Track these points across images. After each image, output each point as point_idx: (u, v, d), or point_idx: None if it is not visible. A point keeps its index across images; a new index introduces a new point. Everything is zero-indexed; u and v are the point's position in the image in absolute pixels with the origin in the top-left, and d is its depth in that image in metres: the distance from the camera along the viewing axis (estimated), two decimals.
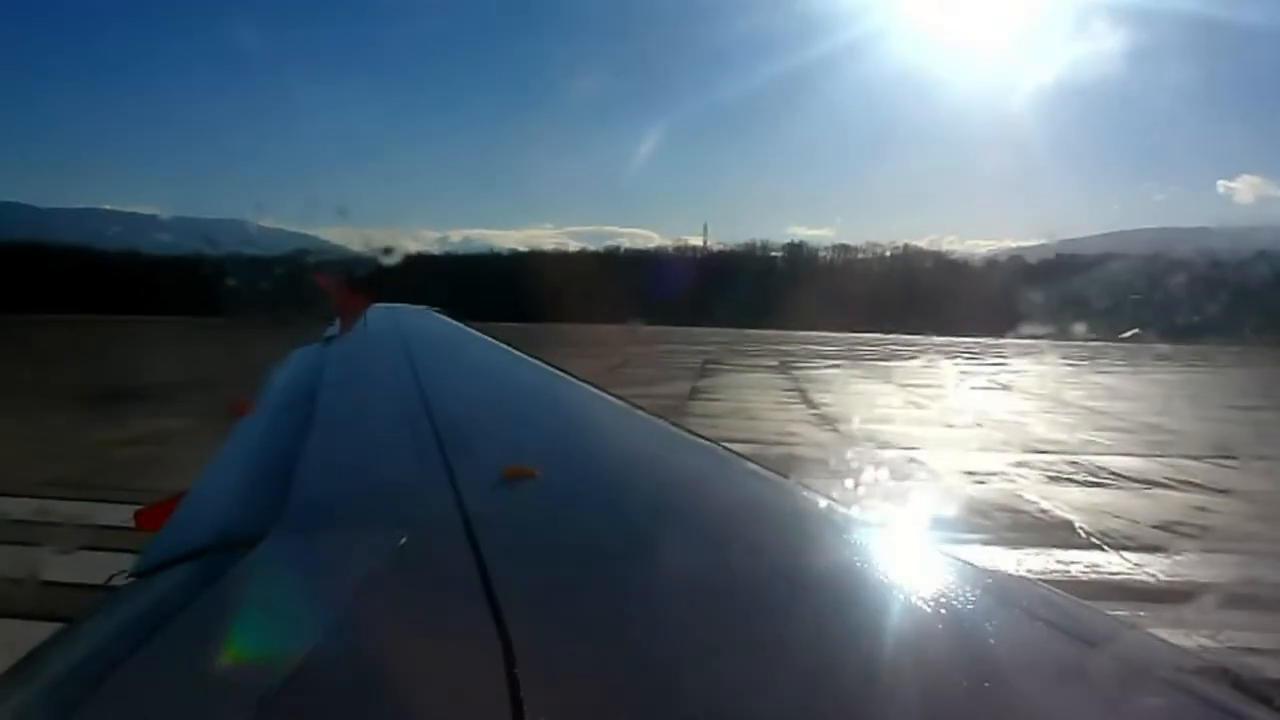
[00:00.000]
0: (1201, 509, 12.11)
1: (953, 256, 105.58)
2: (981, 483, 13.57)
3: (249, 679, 0.95)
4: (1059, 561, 9.54)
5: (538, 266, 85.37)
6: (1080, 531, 10.77)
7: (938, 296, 73.55)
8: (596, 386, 3.33)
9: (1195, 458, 15.91)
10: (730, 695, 0.96)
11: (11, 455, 13.28)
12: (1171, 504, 12.37)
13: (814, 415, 21.00)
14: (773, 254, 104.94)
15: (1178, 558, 9.77)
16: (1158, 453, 16.47)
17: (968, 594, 1.33)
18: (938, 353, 46.02)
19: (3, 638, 5.71)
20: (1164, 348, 43.67)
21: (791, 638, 1.12)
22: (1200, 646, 6.18)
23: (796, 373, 32.87)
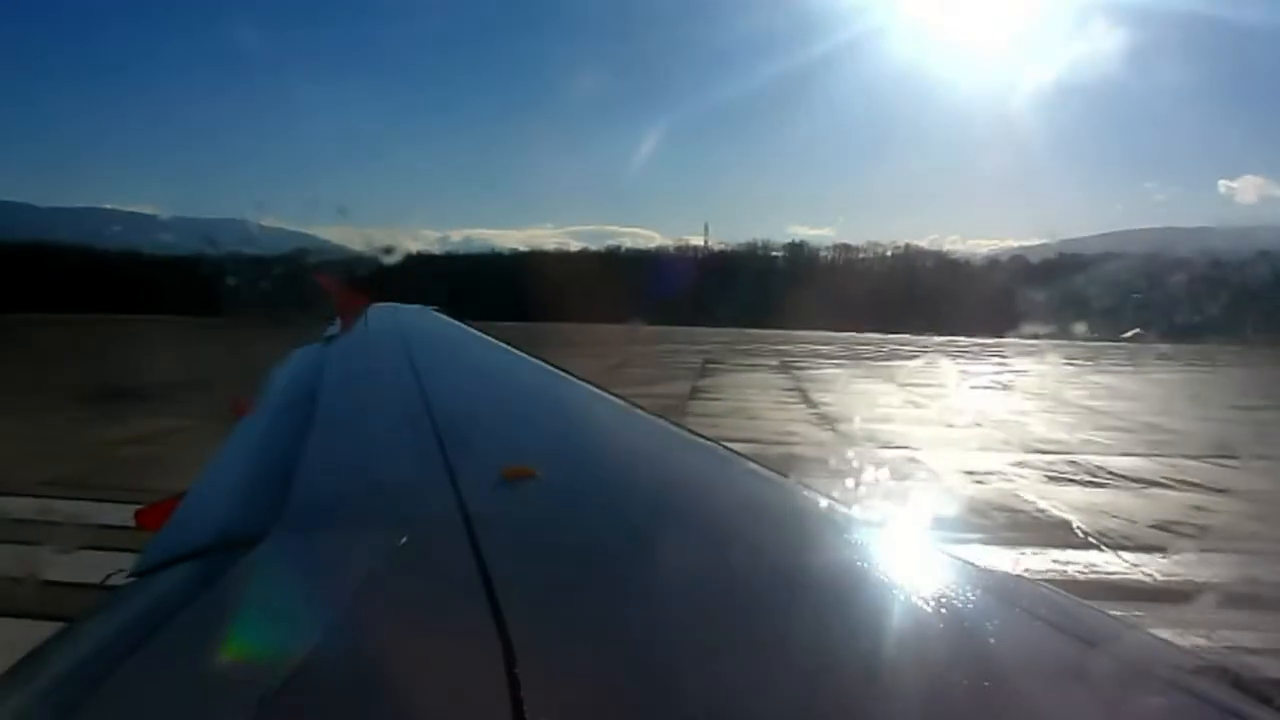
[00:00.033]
0: (1199, 508, 12.11)
1: (954, 256, 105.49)
2: (980, 482, 13.58)
3: (249, 679, 0.95)
4: (1055, 561, 9.54)
5: (538, 266, 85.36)
6: (1078, 531, 10.78)
7: (939, 296, 73.55)
8: (597, 386, 3.33)
9: (1194, 457, 15.91)
10: (730, 695, 0.96)
11: (12, 454, 13.30)
12: (1169, 504, 12.38)
13: (814, 415, 20.99)
14: (774, 254, 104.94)
15: (1175, 557, 9.78)
16: (1157, 452, 16.47)
17: (968, 593, 1.33)
18: (939, 352, 45.99)
19: (3, 637, 5.72)
20: (1165, 347, 43.66)
21: (792, 637, 1.12)
22: (1195, 646, 6.18)
23: (797, 372, 32.86)
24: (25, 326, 44.97)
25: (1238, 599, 8.35)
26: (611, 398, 3.16)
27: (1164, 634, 1.38)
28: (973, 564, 1.47)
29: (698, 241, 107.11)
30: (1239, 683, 1.07)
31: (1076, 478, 14.03)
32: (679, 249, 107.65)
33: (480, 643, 0.98)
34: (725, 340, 50.56)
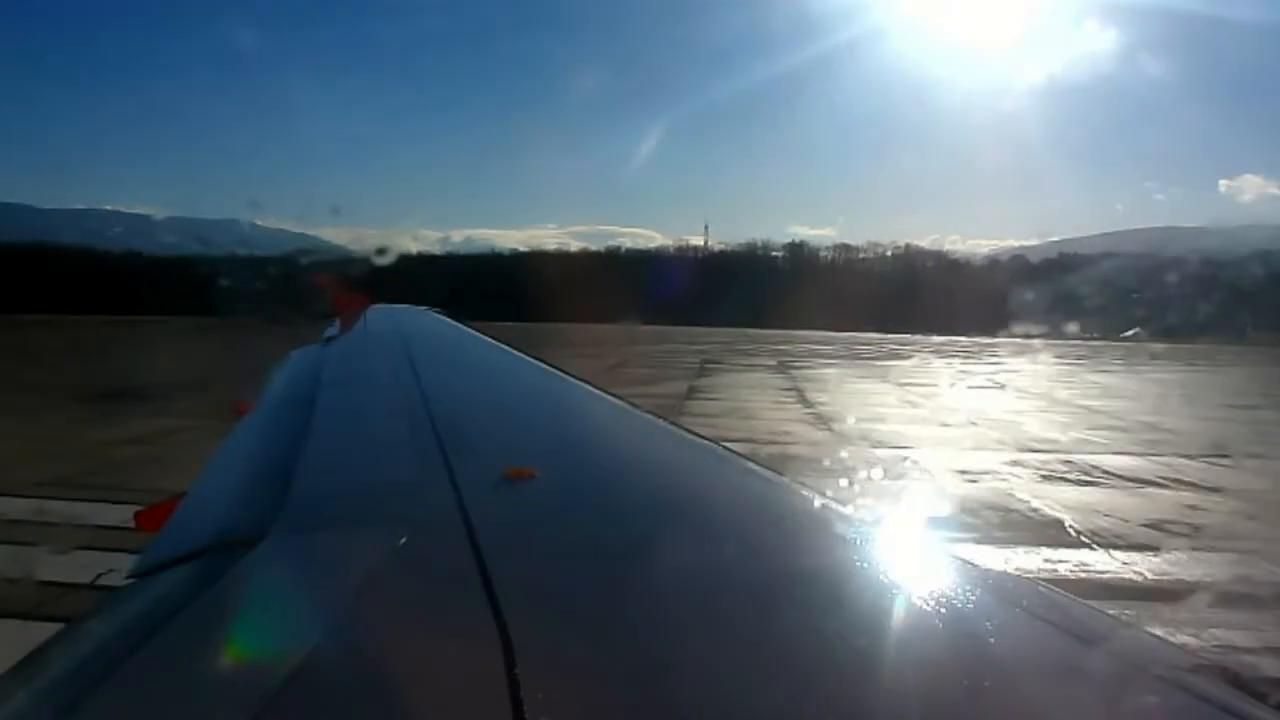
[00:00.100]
0: (1192, 507, 12.12)
1: (954, 256, 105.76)
2: (973, 481, 13.58)
3: (249, 679, 0.95)
4: (1047, 560, 9.54)
5: (539, 266, 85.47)
6: (1070, 530, 10.79)
7: (939, 296, 73.64)
8: (596, 386, 3.33)
9: (1189, 456, 15.92)
10: (730, 695, 0.96)
11: (12, 454, 13.29)
12: (1163, 503, 12.38)
13: (809, 414, 21.00)
14: (774, 254, 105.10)
15: (1166, 556, 9.78)
16: (1152, 451, 16.47)
17: (966, 593, 1.33)
18: (938, 352, 46.03)
19: (2, 638, 5.72)
20: (1163, 347, 43.72)
21: (791, 637, 1.12)
22: (1184, 645, 6.19)
23: (794, 372, 32.87)
24: (25, 327, 44.94)
25: (1227, 597, 8.36)
26: (611, 398, 3.16)
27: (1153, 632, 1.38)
28: (971, 563, 1.47)
29: (698, 242, 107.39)
30: (1238, 682, 1.07)
31: (1070, 477, 14.03)
32: (679, 249, 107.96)
33: (480, 643, 0.98)
34: (724, 340, 50.58)
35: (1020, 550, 9.85)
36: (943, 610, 1.22)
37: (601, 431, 2.70)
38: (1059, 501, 12.21)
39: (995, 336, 52.53)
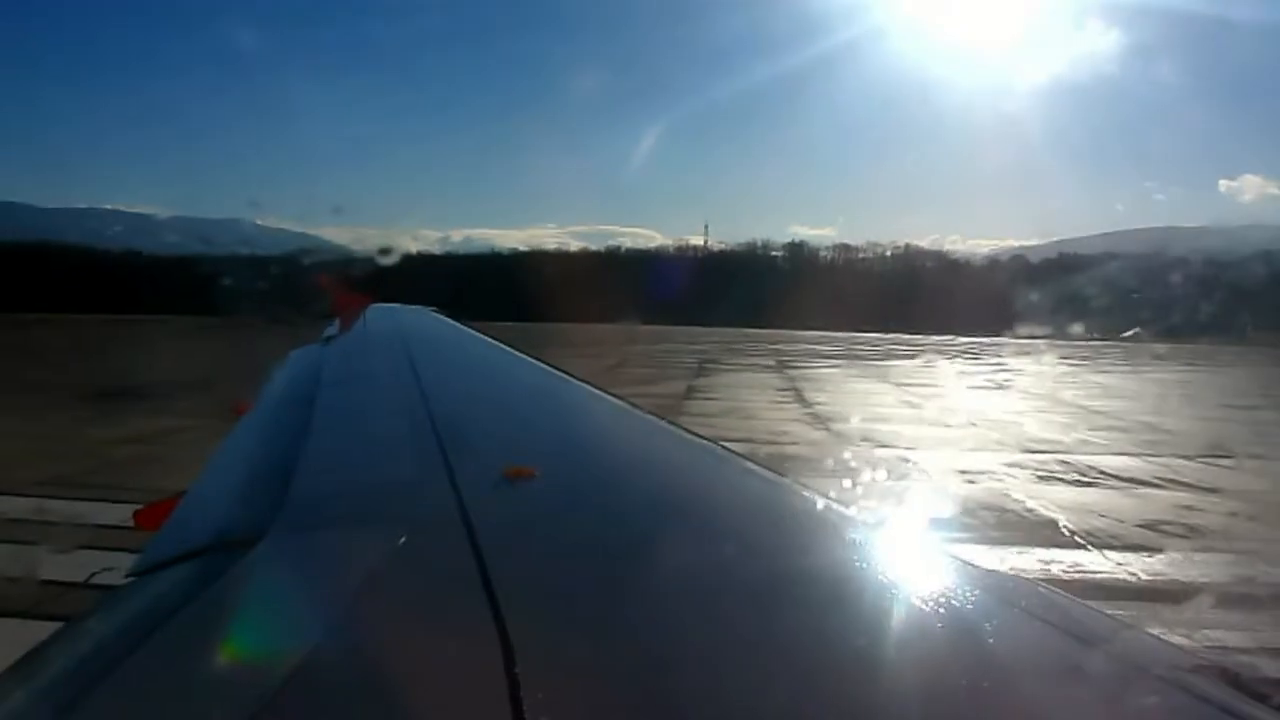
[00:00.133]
0: (1188, 508, 12.13)
1: (954, 256, 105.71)
2: (971, 482, 13.60)
3: (248, 678, 0.95)
4: (1041, 560, 9.54)
5: (539, 266, 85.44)
6: (1064, 530, 10.79)
7: (939, 296, 73.65)
8: (595, 386, 3.33)
9: (1187, 457, 15.93)
10: (730, 695, 0.96)
11: (13, 453, 13.30)
12: (1159, 503, 12.39)
13: (807, 414, 21.01)
14: (774, 254, 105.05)
15: (1160, 556, 9.79)
16: (1150, 452, 16.48)
17: (966, 593, 1.33)
18: (937, 352, 46.02)
19: (2, 636, 5.72)
20: (1164, 347, 43.70)
21: (791, 637, 1.12)
22: (1178, 645, 6.19)
23: (793, 372, 32.88)
24: (27, 326, 44.98)
25: (1221, 597, 8.37)
26: (611, 398, 3.16)
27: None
28: (971, 564, 1.47)
29: (698, 241, 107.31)
30: (1238, 682, 1.07)
31: (1067, 478, 14.04)
32: (679, 249, 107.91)
33: (480, 642, 0.98)
34: (724, 340, 50.59)
35: (1015, 550, 9.86)
36: (942, 611, 1.22)
37: (601, 431, 2.70)
38: (1054, 502, 12.22)
39: (995, 336, 52.52)
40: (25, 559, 7.85)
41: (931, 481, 13.62)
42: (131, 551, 1.67)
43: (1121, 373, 36.24)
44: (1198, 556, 9.88)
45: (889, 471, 14.00)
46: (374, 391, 3.14)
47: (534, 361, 3.89)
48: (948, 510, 11.71)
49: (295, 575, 1.32)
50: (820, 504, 1.91)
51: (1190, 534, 10.81)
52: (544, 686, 0.90)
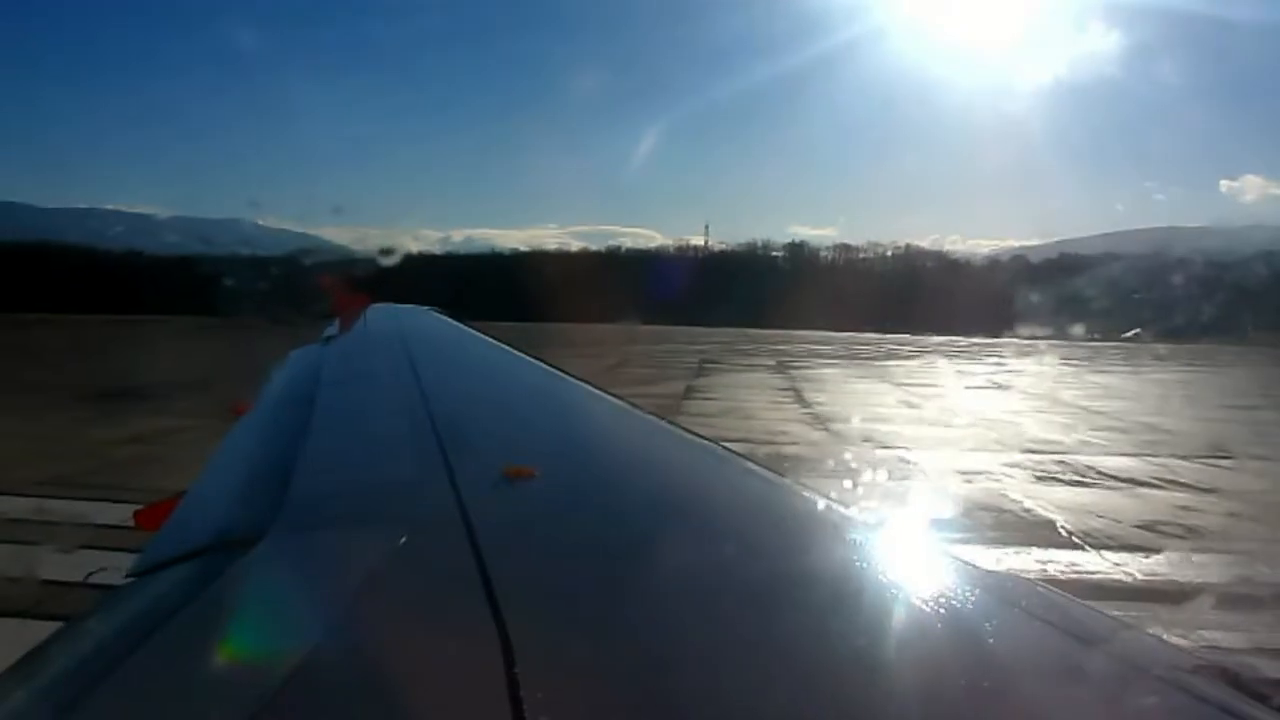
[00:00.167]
0: (1186, 508, 12.13)
1: (955, 256, 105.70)
2: (969, 482, 13.60)
3: (248, 679, 0.95)
4: (1037, 561, 9.54)
5: (539, 266, 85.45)
6: (1061, 531, 10.79)
7: (940, 296, 73.63)
8: (595, 386, 3.33)
9: (1185, 457, 15.93)
10: (730, 695, 0.96)
11: (13, 453, 13.30)
12: (1156, 504, 12.39)
13: (806, 414, 21.01)
14: (774, 254, 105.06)
15: (1157, 557, 9.80)
16: (1148, 453, 16.47)
17: (966, 593, 1.33)
18: (937, 352, 46.02)
19: (2, 636, 5.72)
20: (1165, 347, 43.70)
21: (791, 637, 1.12)
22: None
23: (793, 372, 32.88)
24: (27, 326, 45.00)
25: (1217, 598, 8.37)
26: (611, 398, 3.16)
27: None
28: (971, 564, 1.47)
29: (698, 241, 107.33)
30: (1238, 682, 1.07)
31: (1065, 478, 14.04)
32: (679, 249, 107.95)
33: (480, 643, 0.98)
34: (724, 340, 50.59)
35: (1011, 550, 9.86)
36: (942, 611, 1.22)
37: (601, 431, 2.69)
38: (1052, 502, 12.23)
39: (995, 337, 52.53)
40: (25, 559, 7.86)
41: (929, 482, 13.63)
42: (132, 551, 1.67)
43: (1121, 373, 36.23)
44: (1195, 557, 9.88)
45: (886, 472, 14.02)
46: (374, 391, 3.14)
47: (534, 361, 3.89)
48: (944, 510, 11.73)
49: (295, 575, 1.32)
50: (820, 504, 1.91)
51: (1188, 534, 10.81)
52: (544, 686, 0.90)
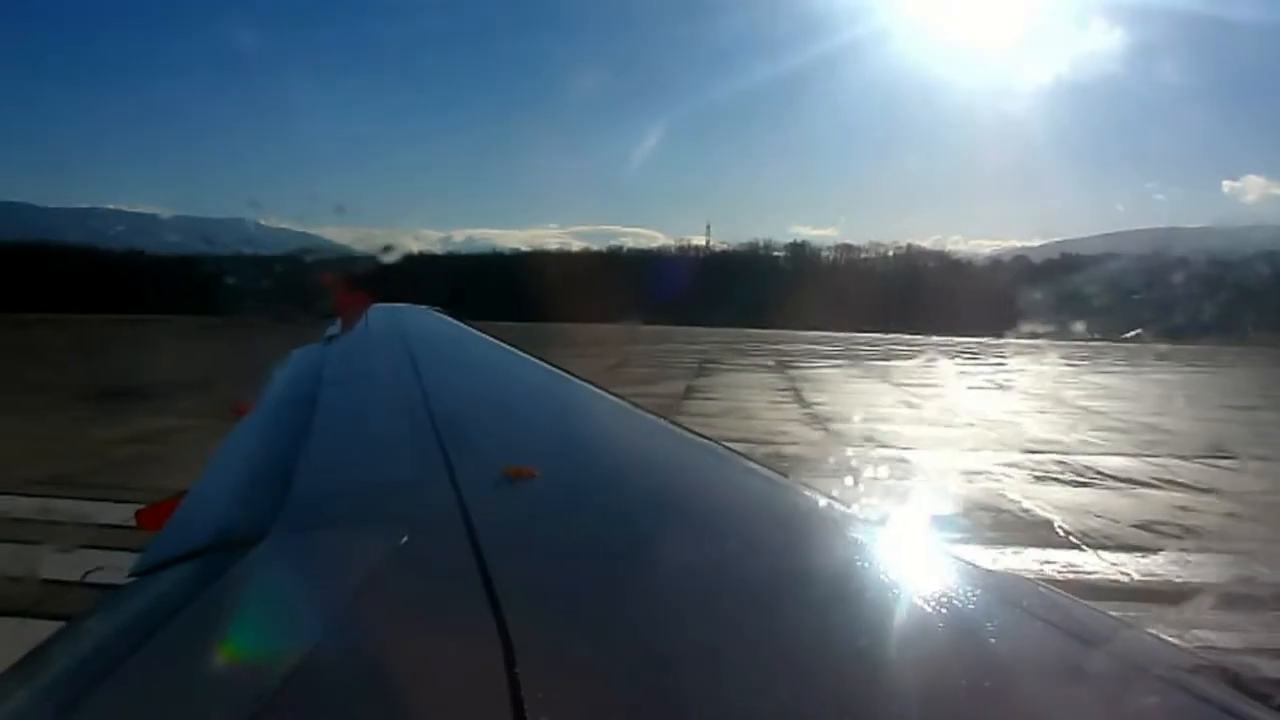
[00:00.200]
0: (1184, 508, 12.13)
1: (956, 256, 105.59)
2: (968, 482, 13.60)
3: (249, 678, 0.95)
4: (1035, 560, 9.53)
5: (541, 266, 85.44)
6: (1059, 531, 10.79)
7: (941, 296, 73.56)
8: (597, 386, 3.33)
9: (1184, 457, 15.92)
10: (732, 694, 0.96)
11: (15, 453, 13.31)
12: (1154, 504, 12.38)
13: (805, 414, 20.99)
14: (775, 254, 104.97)
15: (1154, 557, 9.79)
16: (1147, 453, 16.46)
17: (967, 593, 1.33)
18: (938, 352, 45.97)
19: (4, 635, 5.73)
20: (1166, 347, 43.66)
21: (792, 636, 1.12)
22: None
23: (793, 372, 32.87)
24: (29, 326, 45.03)
25: (1213, 598, 8.37)
26: (612, 398, 3.16)
27: None
28: (972, 564, 1.47)
29: (700, 241, 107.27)
30: (1238, 682, 1.07)
31: (1063, 478, 14.03)
32: (681, 249, 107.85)
33: (481, 642, 0.98)
34: (725, 340, 50.57)
35: (1008, 550, 9.85)
36: (943, 610, 1.22)
37: (602, 431, 2.70)
38: (1050, 502, 12.22)
39: (996, 337, 52.49)
40: (27, 558, 7.86)
41: (927, 481, 13.62)
42: (133, 551, 1.67)
43: (1122, 373, 36.22)
44: (1191, 557, 9.88)
45: (884, 471, 14.02)
46: (375, 391, 3.14)
47: (535, 361, 3.89)
48: (942, 510, 11.71)
49: (296, 575, 1.32)
50: (821, 503, 1.91)
51: (1185, 534, 10.81)
52: (544, 686, 0.90)
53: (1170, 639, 1.33)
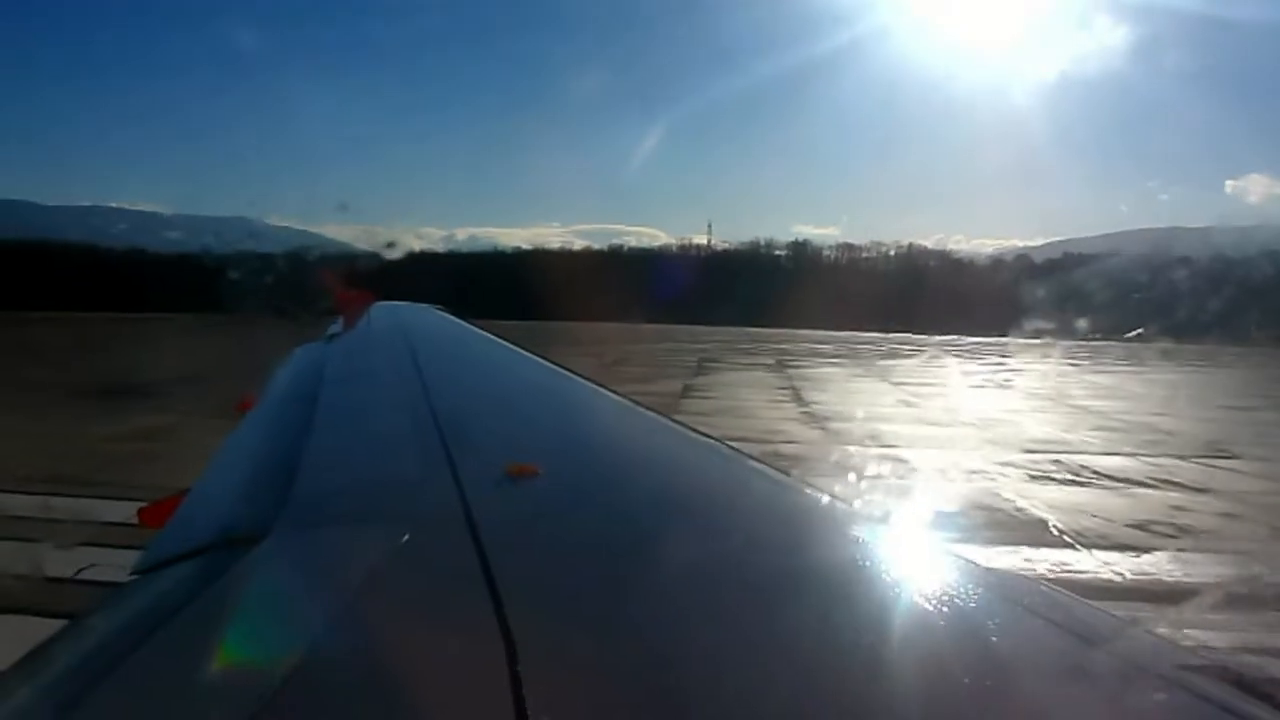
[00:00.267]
0: (1179, 508, 12.13)
1: (958, 255, 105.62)
2: (966, 481, 13.61)
3: (253, 676, 0.95)
4: (1026, 560, 9.53)
5: (543, 265, 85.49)
6: (1053, 530, 10.79)
7: (942, 295, 73.55)
8: (598, 384, 3.33)
9: (1182, 457, 15.92)
10: (733, 692, 0.96)
11: (16, 451, 13.32)
12: (1150, 503, 12.39)
13: (803, 413, 21.00)
14: (777, 253, 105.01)
15: (1148, 556, 9.79)
16: (1146, 452, 16.46)
17: (968, 591, 1.33)
18: (939, 351, 45.99)
19: (6, 634, 5.73)
20: (1168, 346, 43.60)
21: (794, 634, 1.12)
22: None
23: (792, 371, 32.86)
24: (30, 324, 45.06)
25: (1207, 597, 8.36)
26: (615, 396, 3.16)
27: None
28: (972, 562, 1.47)
29: (701, 240, 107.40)
30: (1238, 682, 1.07)
31: (1059, 477, 14.03)
32: (683, 248, 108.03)
33: (483, 640, 0.98)
34: (725, 339, 50.59)
35: (1003, 550, 9.84)
36: (944, 608, 1.22)
37: (604, 429, 2.70)
38: (1045, 501, 12.23)
39: (998, 336, 52.46)
40: (28, 556, 7.87)
41: (923, 481, 13.63)
42: (136, 548, 1.67)
43: (1122, 373, 36.19)
44: (1185, 556, 9.88)
45: (881, 471, 14.04)
46: (377, 389, 3.14)
47: (537, 359, 3.89)
48: (938, 509, 11.72)
49: (299, 572, 1.32)
50: (823, 501, 1.91)
51: (1179, 534, 10.81)
52: (547, 684, 0.90)
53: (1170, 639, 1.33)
